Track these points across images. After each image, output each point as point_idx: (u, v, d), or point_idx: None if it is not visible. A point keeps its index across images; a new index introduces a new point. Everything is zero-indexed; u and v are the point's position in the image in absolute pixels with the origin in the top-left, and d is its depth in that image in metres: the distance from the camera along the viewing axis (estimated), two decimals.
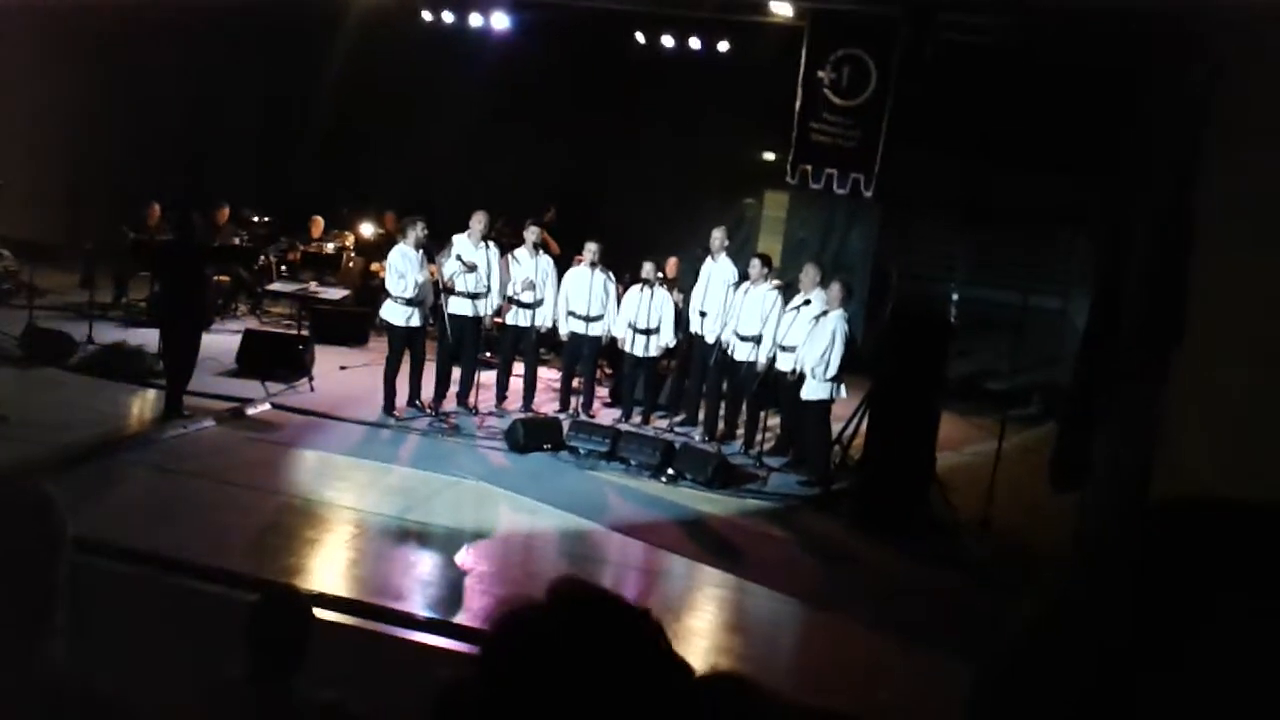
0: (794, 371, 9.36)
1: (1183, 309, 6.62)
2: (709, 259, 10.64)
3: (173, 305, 9.63)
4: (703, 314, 10.41)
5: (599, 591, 1.24)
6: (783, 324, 9.64)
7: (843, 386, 9.23)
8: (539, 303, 10.46)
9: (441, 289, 10.14)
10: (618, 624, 1.22)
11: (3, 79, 13.09)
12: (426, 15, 14.58)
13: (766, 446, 9.93)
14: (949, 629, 6.71)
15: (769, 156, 14.61)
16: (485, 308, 10.21)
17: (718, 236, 10.61)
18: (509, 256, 10.47)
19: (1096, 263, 8.02)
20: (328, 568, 6.69)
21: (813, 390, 9.20)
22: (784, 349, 9.62)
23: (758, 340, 9.84)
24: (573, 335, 10.61)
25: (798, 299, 9.73)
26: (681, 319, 10.78)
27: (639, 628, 1.22)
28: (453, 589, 6.61)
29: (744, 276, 10.41)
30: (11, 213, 12.20)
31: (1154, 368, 6.77)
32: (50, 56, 13.57)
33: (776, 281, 10.15)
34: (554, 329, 10.84)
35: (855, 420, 9.18)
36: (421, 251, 9.99)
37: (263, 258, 13.52)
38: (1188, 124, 7.31)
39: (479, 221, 10.19)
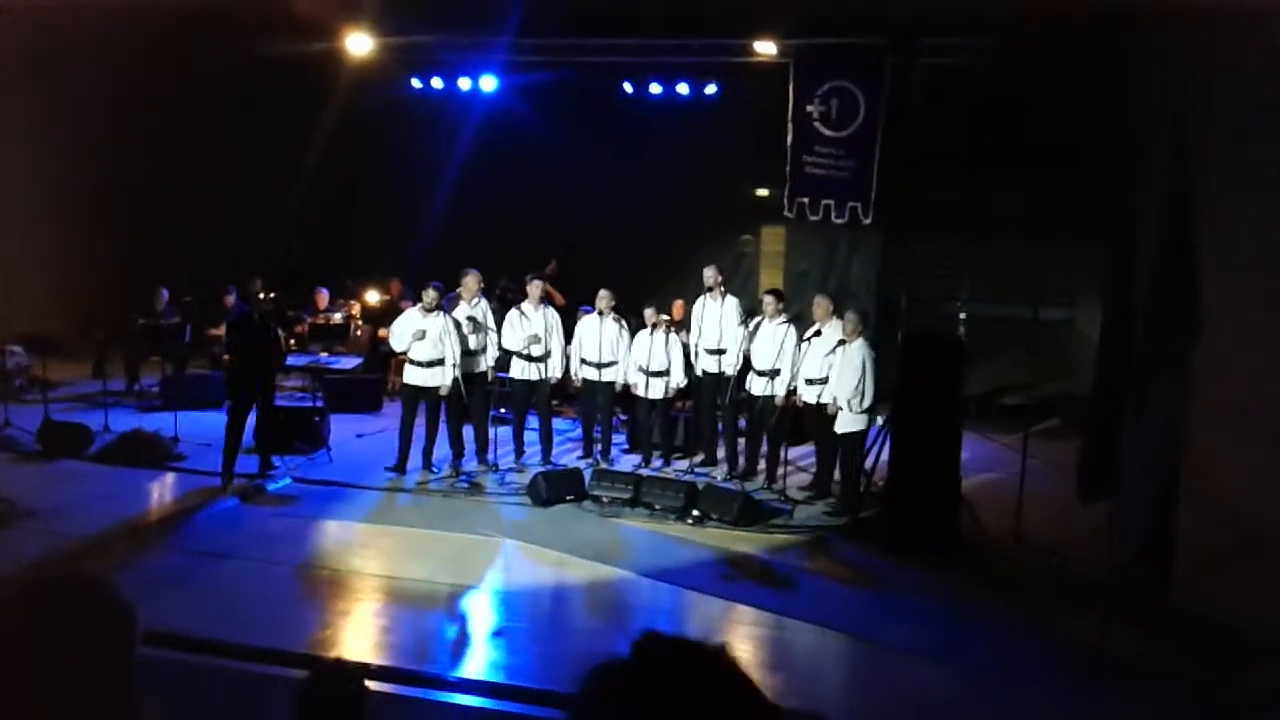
0: (832, 403, 9.33)
1: (1196, 307, 6.63)
2: (704, 298, 10.67)
3: (248, 377, 9.77)
4: (710, 352, 10.44)
5: (682, 642, 1.24)
6: (798, 357, 9.68)
7: (877, 416, 9.24)
8: (547, 355, 10.49)
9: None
10: (705, 674, 1.21)
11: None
12: (415, 82, 14.78)
13: (799, 481, 9.91)
14: (991, 650, 6.68)
15: (763, 192, 14.71)
16: (487, 363, 10.24)
17: (709, 275, 10.63)
18: (517, 311, 10.50)
19: (1105, 269, 8.01)
20: (363, 637, 6.65)
21: (848, 422, 9.20)
22: (809, 382, 9.64)
23: (773, 374, 9.87)
24: (587, 383, 10.64)
25: (809, 331, 9.75)
26: (691, 359, 10.80)
27: (727, 675, 1.22)
28: (489, 648, 6.56)
29: (749, 312, 10.47)
30: (20, 308, 12.31)
31: (1173, 369, 6.76)
32: (47, 147, 13.72)
33: (784, 316, 10.18)
34: (564, 380, 10.88)
35: (877, 446, 9.14)
36: (443, 317, 10.08)
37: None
38: (1178, 124, 7.36)
39: (471, 281, 10.28)
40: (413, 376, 10.05)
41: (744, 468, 10.34)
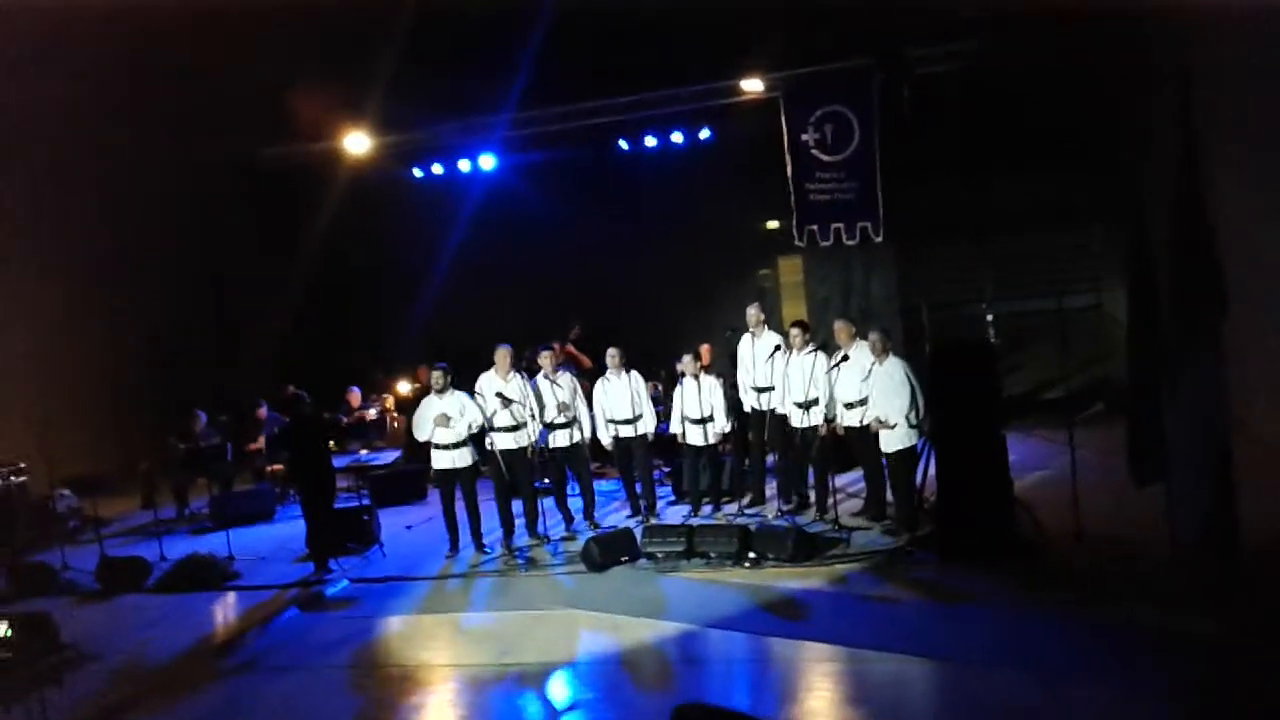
0: (875, 424, 9.28)
1: (1221, 278, 6.56)
2: (746, 337, 10.68)
3: (309, 480, 10.19)
4: (758, 390, 10.44)
5: (721, 713, 1.24)
6: (830, 384, 9.66)
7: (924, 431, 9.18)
8: (575, 420, 10.51)
9: (484, 429, 10.24)
10: None
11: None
12: (416, 172, 15.03)
13: (850, 508, 9.87)
14: (1066, 649, 6.55)
15: (774, 225, 14.77)
16: (529, 436, 10.25)
17: (752, 314, 10.68)
18: (541, 382, 10.53)
19: (1125, 250, 7.96)
20: None
21: (898, 440, 9.14)
22: (847, 406, 9.61)
23: (810, 405, 9.85)
24: (618, 441, 10.65)
25: (837, 357, 9.73)
26: (730, 402, 10.80)
27: None
28: None
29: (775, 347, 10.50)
30: (62, 451, 12.48)
31: (1206, 341, 6.68)
32: (55, 283, 13.99)
33: (811, 345, 10.17)
34: (596, 439, 10.91)
35: (924, 462, 9.05)
36: (458, 395, 10.15)
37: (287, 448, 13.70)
38: (1183, 98, 7.34)
39: (503, 356, 10.31)
40: (440, 460, 10.17)
41: (796, 501, 10.25)
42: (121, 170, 13.86)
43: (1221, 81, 6.73)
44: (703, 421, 10.44)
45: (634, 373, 10.67)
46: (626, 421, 10.59)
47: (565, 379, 10.65)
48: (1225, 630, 6.39)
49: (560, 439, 10.47)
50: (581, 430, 10.54)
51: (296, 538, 11.02)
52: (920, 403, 9.07)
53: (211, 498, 12.76)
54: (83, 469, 12.93)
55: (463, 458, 10.13)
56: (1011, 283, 13.81)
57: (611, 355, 10.68)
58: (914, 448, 9.16)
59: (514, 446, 10.21)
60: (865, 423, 9.44)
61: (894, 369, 9.19)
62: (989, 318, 11.72)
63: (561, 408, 10.38)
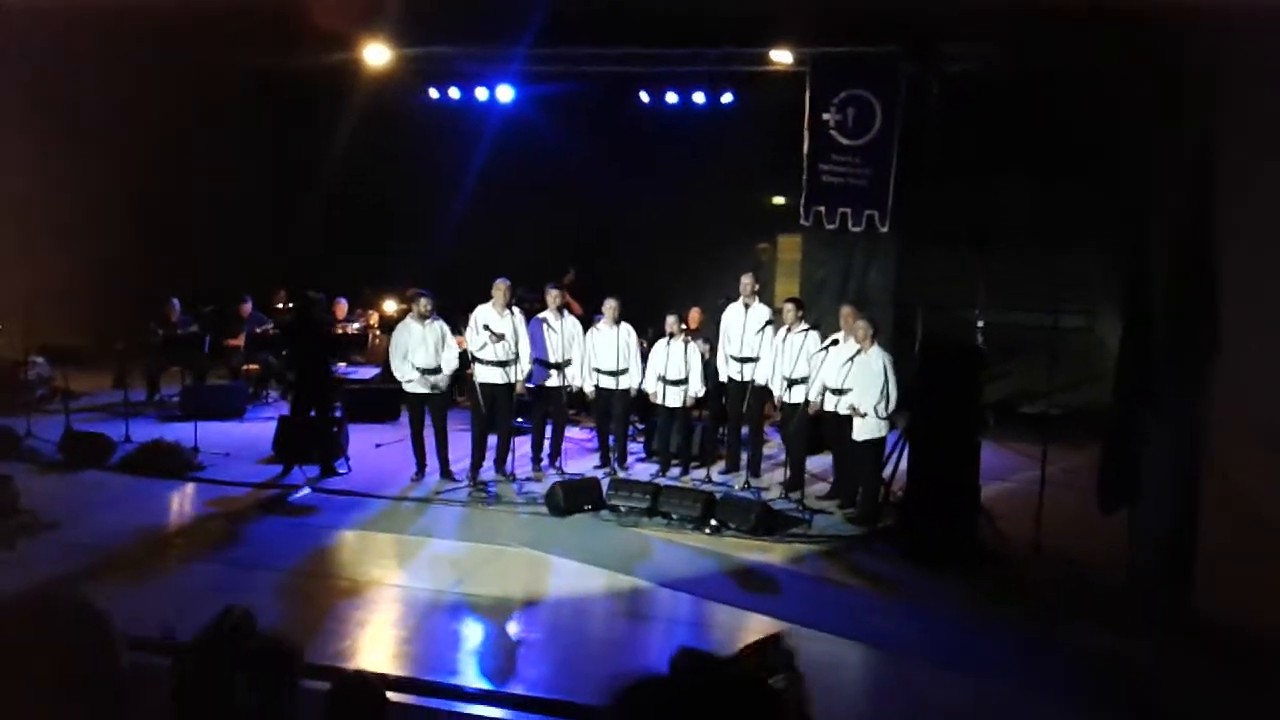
0: (852, 412, 9.32)
1: (1216, 318, 6.60)
2: (734, 305, 10.69)
3: (307, 385, 10.31)
4: (739, 360, 10.45)
5: (719, 660, 1.25)
6: (817, 364, 9.68)
7: (897, 424, 9.23)
8: (566, 363, 10.52)
9: (470, 359, 10.24)
10: (742, 694, 1.22)
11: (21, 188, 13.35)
12: (433, 92, 14.87)
13: (816, 491, 9.96)
14: (1008, 658, 6.65)
15: (780, 200, 14.72)
16: (515, 374, 10.23)
17: (747, 283, 10.66)
18: (540, 322, 10.52)
19: (1124, 279, 7.98)
20: (382, 648, 6.67)
21: (868, 429, 9.20)
22: (831, 391, 9.66)
23: (798, 382, 9.90)
24: (600, 391, 10.66)
25: (828, 340, 9.75)
26: (709, 368, 10.82)
27: (763, 697, 1.22)
28: (510, 658, 6.57)
29: (767, 321, 10.50)
30: (41, 319, 12.40)
31: (1194, 380, 6.72)
32: (63, 158, 13.83)
33: (805, 324, 10.20)
34: (582, 390, 10.92)
35: (896, 455, 9.12)
36: (438, 323, 10.13)
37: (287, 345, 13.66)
38: (1195, 130, 7.33)
39: (501, 290, 10.26)
40: (489, 375, 10.17)
41: (790, 478, 10.25)
42: (133, 70, 13.66)
43: (1252, 119, 6.72)
44: (678, 383, 10.46)
45: (626, 326, 10.66)
46: (611, 373, 10.59)
47: (565, 323, 10.62)
48: (1166, 658, 6.50)
49: (551, 380, 10.49)
50: (568, 376, 10.54)
51: (263, 439, 11.03)
52: (892, 396, 9.12)
53: (183, 387, 12.72)
54: (59, 340, 12.87)
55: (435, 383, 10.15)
56: (1007, 293, 13.81)
57: (609, 306, 10.65)
58: (883, 439, 9.22)
59: (498, 381, 10.19)
60: (841, 411, 9.49)
61: (874, 359, 9.23)
62: (980, 324, 11.72)
63: (554, 350, 10.40)
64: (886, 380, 9.13)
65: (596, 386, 10.71)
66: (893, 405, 9.15)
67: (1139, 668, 6.45)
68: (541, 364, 10.45)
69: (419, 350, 10.10)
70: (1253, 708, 6.00)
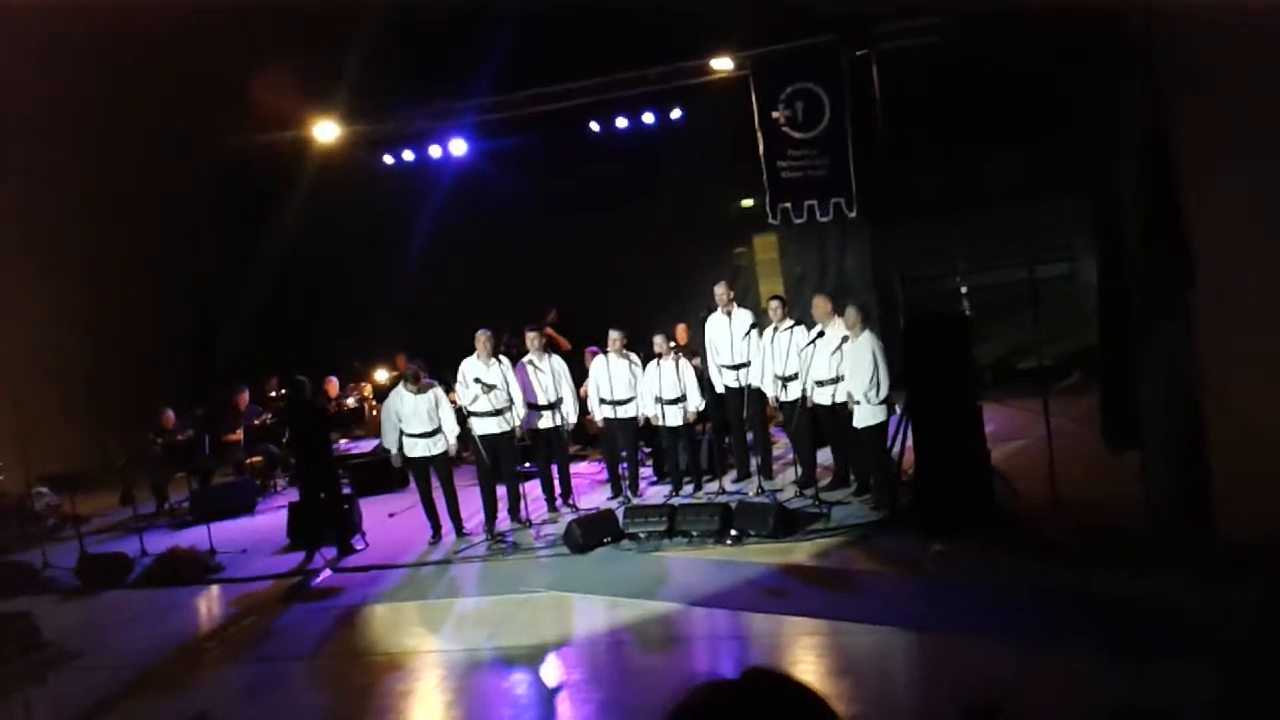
0: (848, 400, 9.32)
1: (1187, 246, 6.63)
2: (716, 315, 10.72)
3: (311, 468, 10.42)
4: (729, 368, 10.48)
5: (789, 678, 1.26)
6: (806, 358, 9.70)
7: (896, 406, 9.23)
8: (559, 402, 10.54)
9: (465, 414, 10.25)
10: (809, 711, 1.23)
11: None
12: (387, 159, 14.94)
13: (821, 484, 9.96)
14: (1052, 622, 6.63)
15: (748, 203, 14.78)
16: (512, 420, 10.25)
17: (719, 292, 10.71)
18: (526, 365, 10.55)
19: (1095, 221, 8.02)
20: (429, 714, 6.66)
21: (867, 416, 9.20)
22: (818, 384, 9.67)
23: (791, 379, 9.96)
24: (607, 422, 10.69)
25: (813, 333, 9.77)
26: (704, 381, 10.84)
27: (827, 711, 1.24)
28: (553, 705, 6.56)
29: (754, 324, 10.54)
30: (40, 449, 12.40)
31: (1175, 308, 6.75)
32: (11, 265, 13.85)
33: (791, 320, 10.24)
34: (584, 424, 10.94)
35: (900, 435, 9.12)
36: (432, 391, 10.22)
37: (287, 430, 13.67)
38: (1143, 77, 7.38)
39: (483, 340, 10.30)
40: (412, 449, 10.24)
41: (801, 475, 10.21)
42: (88, 165, 13.70)
43: (1193, 54, 6.78)
44: (676, 401, 10.48)
45: (633, 355, 10.71)
46: (615, 403, 10.61)
47: (552, 362, 10.65)
48: (1198, 594, 6.48)
49: (545, 420, 10.50)
50: (563, 414, 10.57)
51: (277, 529, 11.02)
52: (883, 380, 9.12)
53: (191, 492, 12.71)
54: (59, 466, 12.85)
55: (437, 445, 10.19)
56: (985, 255, 13.87)
57: (614, 338, 10.68)
58: (884, 423, 9.21)
59: (496, 431, 10.20)
60: (836, 400, 9.51)
61: (863, 346, 9.23)
62: (963, 290, 11.76)
63: (543, 390, 10.43)
64: (876, 366, 9.13)
65: (605, 419, 10.72)
66: (884, 391, 9.15)
67: (1172, 605, 6.43)
68: (533, 407, 10.46)
69: (413, 418, 10.12)
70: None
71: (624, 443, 10.83)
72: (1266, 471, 6.20)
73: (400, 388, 10.31)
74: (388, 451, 10.56)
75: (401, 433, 10.21)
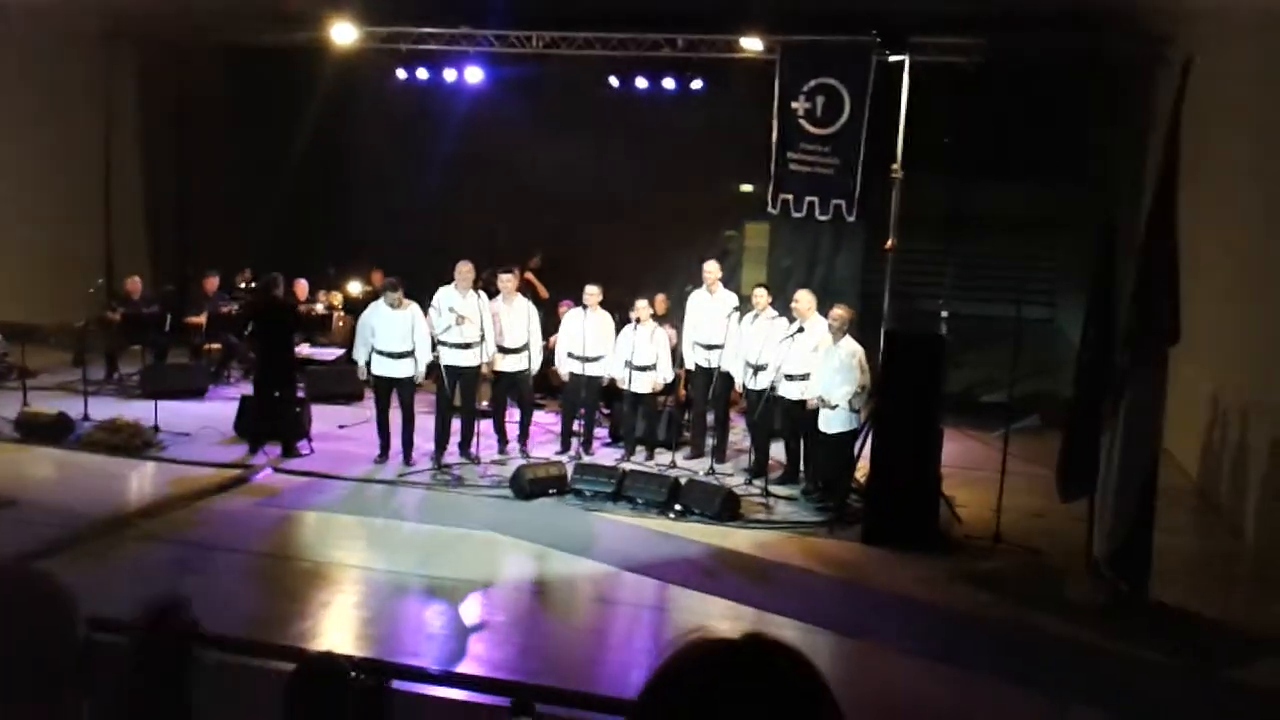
0: (820, 403, 9.29)
1: (1177, 310, 6.69)
2: (700, 291, 10.70)
3: (269, 365, 10.27)
4: (705, 346, 10.47)
5: (790, 648, 1.26)
6: (782, 351, 9.68)
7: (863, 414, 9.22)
8: (525, 347, 10.48)
9: (436, 342, 10.17)
10: (807, 680, 1.23)
11: None
12: (401, 74, 14.73)
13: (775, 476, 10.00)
14: (969, 644, 6.73)
15: (747, 188, 14.74)
16: (481, 356, 10.18)
17: (711, 270, 10.68)
18: (497, 303, 10.47)
19: (1091, 268, 8.07)
20: (344, 629, 6.65)
21: (841, 422, 9.10)
22: (789, 377, 9.65)
23: (762, 368, 9.93)
24: (572, 376, 10.64)
25: (793, 328, 9.72)
26: (676, 353, 10.83)
27: (822, 691, 1.23)
28: (471, 641, 6.56)
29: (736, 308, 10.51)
30: (2, 293, 12.22)
31: (1155, 369, 6.81)
32: (27, 140, 13.60)
33: (774, 310, 10.23)
34: (548, 374, 10.91)
35: (860, 442, 9.16)
36: (411, 309, 10.07)
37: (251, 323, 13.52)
38: (1163, 129, 7.41)
39: (464, 271, 10.20)
40: (380, 367, 10.07)
41: (755, 463, 10.18)
42: (97, 46, 13.47)
43: (1216, 116, 6.82)
44: (645, 369, 10.47)
45: (606, 314, 10.66)
46: (583, 359, 10.55)
47: (521, 305, 10.58)
48: (1124, 648, 6.60)
49: (509, 364, 10.43)
50: (530, 359, 10.51)
51: (224, 420, 10.92)
52: (868, 388, 9.12)
53: (144, 366, 12.56)
54: (18, 316, 12.67)
55: (405, 368, 10.06)
56: (971, 284, 13.97)
57: (591, 293, 10.59)
58: (855, 431, 9.20)
59: (464, 364, 10.13)
60: (806, 396, 9.50)
61: (844, 350, 9.21)
62: (944, 314, 11.82)
63: (509, 332, 10.36)
64: (863, 373, 9.08)
65: (571, 373, 10.67)
66: (864, 398, 9.13)
67: (1094, 653, 6.55)
68: (500, 350, 10.39)
69: (387, 336, 10.01)
70: (1203, 695, 6.12)
71: (586, 400, 10.80)
72: (1207, 546, 6.30)
73: (380, 302, 10.18)
74: (354, 363, 10.45)
75: (373, 349, 10.10)
